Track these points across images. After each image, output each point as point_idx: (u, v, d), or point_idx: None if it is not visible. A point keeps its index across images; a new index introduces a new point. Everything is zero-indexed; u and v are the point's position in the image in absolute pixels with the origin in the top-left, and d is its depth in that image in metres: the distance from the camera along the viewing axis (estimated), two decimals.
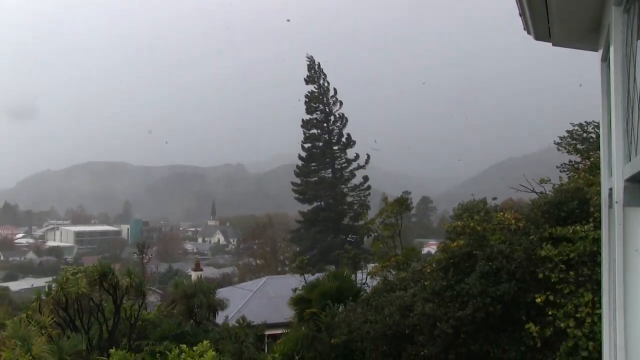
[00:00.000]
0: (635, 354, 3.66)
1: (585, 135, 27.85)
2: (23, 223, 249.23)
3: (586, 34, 5.19)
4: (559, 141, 29.39)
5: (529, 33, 5.47)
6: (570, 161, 24.94)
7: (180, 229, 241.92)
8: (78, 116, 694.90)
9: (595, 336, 12.67)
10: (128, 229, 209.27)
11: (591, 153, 21.85)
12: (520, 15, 5.22)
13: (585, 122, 28.33)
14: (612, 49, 4.14)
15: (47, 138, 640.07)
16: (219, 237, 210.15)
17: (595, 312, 12.85)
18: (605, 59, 4.79)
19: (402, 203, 33.83)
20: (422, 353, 15.90)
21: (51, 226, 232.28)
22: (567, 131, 29.76)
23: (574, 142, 28.47)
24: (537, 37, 5.47)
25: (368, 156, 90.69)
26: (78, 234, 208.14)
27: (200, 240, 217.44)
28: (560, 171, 24.98)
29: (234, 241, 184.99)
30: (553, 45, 5.58)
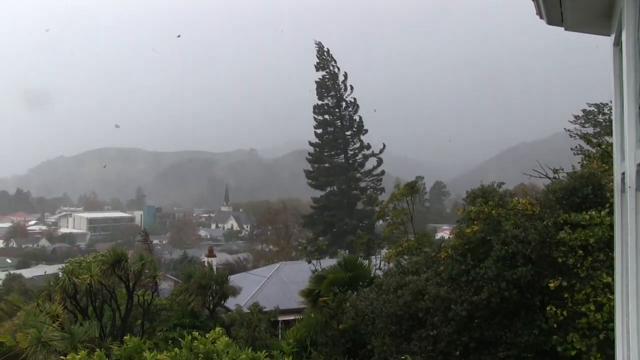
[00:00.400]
0: None
1: (601, 117, 27.73)
2: (36, 210, 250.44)
3: (598, 18, 5.16)
4: (574, 120, 29.25)
5: (541, 18, 5.45)
6: (581, 147, 24.78)
7: (194, 215, 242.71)
8: (90, 102, 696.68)
9: (612, 320, 12.68)
10: (141, 215, 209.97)
11: (604, 139, 21.72)
12: (533, 0, 5.21)
13: (602, 103, 28.17)
14: (624, 34, 4.13)
15: (60, 125, 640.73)
16: (232, 223, 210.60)
17: (613, 296, 12.84)
18: (618, 43, 4.76)
19: (412, 187, 33.88)
20: (432, 333, 15.93)
21: (64, 213, 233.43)
22: (583, 110, 29.62)
23: (588, 124, 28.37)
24: (550, 22, 5.45)
25: (384, 145, 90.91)
26: (91, 221, 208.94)
27: (213, 226, 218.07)
28: (575, 154, 24.83)
29: (247, 227, 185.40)
30: (565, 29, 5.55)
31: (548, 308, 14.10)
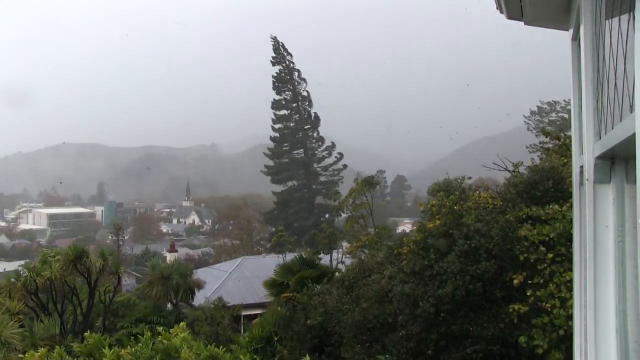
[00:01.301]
0: (605, 330, 3.72)
1: (554, 115, 28.27)
2: None
3: (557, 13, 5.22)
4: (528, 118, 29.79)
5: (501, 12, 5.49)
6: (540, 142, 25.18)
7: (155, 210, 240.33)
8: (47, 97, 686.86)
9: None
10: (102, 210, 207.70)
11: (561, 134, 22.07)
12: None
13: (553, 101, 28.68)
14: (582, 29, 4.18)
15: (16, 121, 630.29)
16: (194, 218, 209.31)
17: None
18: (576, 38, 4.82)
19: (369, 182, 34.35)
20: (401, 333, 16.02)
21: (23, 209, 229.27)
22: (537, 107, 30.17)
23: (543, 121, 28.90)
24: (510, 16, 5.50)
25: (332, 143, 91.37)
26: (51, 217, 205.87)
27: (175, 221, 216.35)
28: (530, 152, 25.14)
29: (209, 222, 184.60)
30: (525, 24, 5.60)
31: (510, 306, 14.28)
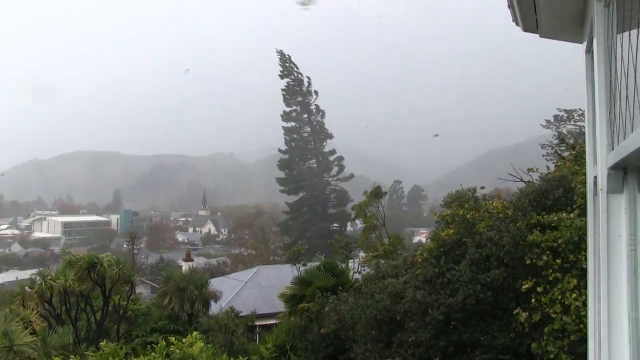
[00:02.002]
0: (619, 337, 3.77)
1: (571, 122, 28.32)
2: (8, 213, 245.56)
3: (571, 26, 5.30)
4: (546, 125, 29.84)
5: (517, 25, 5.56)
6: (555, 151, 25.20)
7: (171, 219, 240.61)
8: (67, 105, 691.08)
9: (581, 321, 12.84)
10: (117, 219, 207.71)
11: (577, 142, 22.05)
12: (509, 7, 5.32)
13: (571, 109, 28.71)
14: (595, 42, 4.25)
15: (35, 127, 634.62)
16: (210, 227, 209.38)
17: (580, 297, 13.02)
18: (589, 51, 4.89)
19: (376, 193, 34.58)
20: (411, 339, 16.05)
21: (37, 216, 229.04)
22: (554, 116, 30.22)
23: (560, 127, 28.93)
24: (525, 29, 5.57)
25: (341, 157, 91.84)
26: (66, 225, 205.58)
27: (191, 230, 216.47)
28: (547, 160, 25.23)
29: (225, 231, 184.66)
30: (540, 36, 5.68)
31: (515, 311, 14.30)
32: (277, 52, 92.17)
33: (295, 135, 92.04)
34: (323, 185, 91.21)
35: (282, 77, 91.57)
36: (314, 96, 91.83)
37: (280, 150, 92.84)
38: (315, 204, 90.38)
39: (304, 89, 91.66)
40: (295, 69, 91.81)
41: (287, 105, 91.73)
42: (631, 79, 3.19)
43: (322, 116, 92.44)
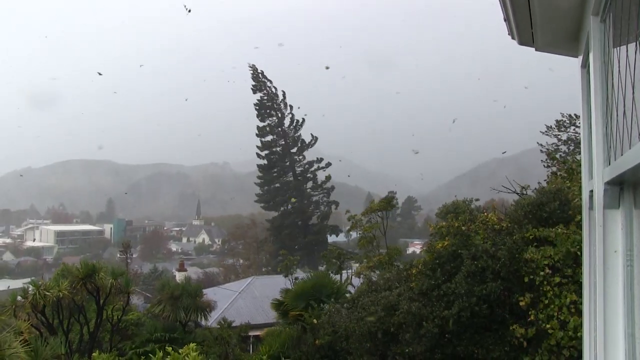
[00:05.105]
0: (615, 353, 3.76)
1: (572, 129, 28.31)
2: (0, 222, 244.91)
3: (567, 40, 5.31)
4: (546, 131, 29.81)
5: (513, 38, 5.57)
6: (551, 160, 25.21)
7: (165, 228, 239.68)
8: (60, 113, 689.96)
9: (577, 336, 12.80)
10: (111, 228, 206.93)
11: (568, 158, 22.09)
12: (505, 21, 5.33)
13: (575, 114, 28.67)
14: (591, 56, 4.26)
15: (27, 136, 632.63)
16: (203, 237, 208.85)
17: (577, 313, 12.97)
18: (585, 65, 4.90)
19: (389, 202, 33.99)
20: (407, 350, 15.99)
21: (30, 225, 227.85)
22: (556, 121, 30.21)
23: (560, 133, 28.94)
24: (521, 42, 5.59)
25: (329, 162, 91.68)
26: (59, 234, 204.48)
27: (185, 240, 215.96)
28: (545, 166, 25.31)
29: (219, 241, 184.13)
30: (536, 50, 5.69)
31: (512, 327, 14.25)
32: (250, 66, 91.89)
33: (273, 149, 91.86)
34: (304, 196, 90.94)
35: (254, 91, 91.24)
36: (288, 109, 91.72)
37: (258, 166, 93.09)
38: (297, 217, 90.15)
39: (278, 102, 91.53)
40: (269, 83, 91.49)
41: (262, 120, 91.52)
42: (628, 94, 3.19)
43: (297, 127, 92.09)
